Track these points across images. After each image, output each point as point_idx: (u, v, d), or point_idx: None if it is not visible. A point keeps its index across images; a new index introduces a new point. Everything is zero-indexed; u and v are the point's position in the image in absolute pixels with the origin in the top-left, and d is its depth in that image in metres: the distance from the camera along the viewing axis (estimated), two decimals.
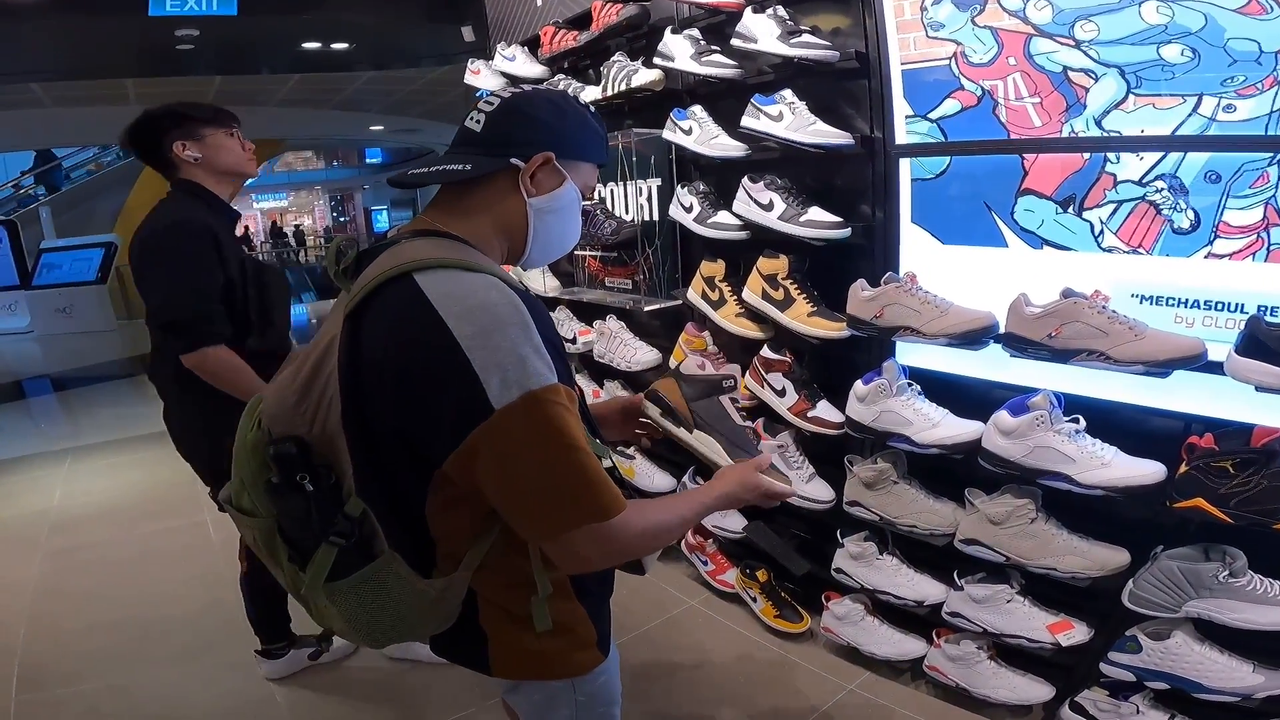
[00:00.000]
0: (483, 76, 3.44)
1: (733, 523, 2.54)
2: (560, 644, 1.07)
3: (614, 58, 2.61)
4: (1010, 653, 1.92)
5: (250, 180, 2.16)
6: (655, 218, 2.69)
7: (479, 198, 1.03)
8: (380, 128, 14.47)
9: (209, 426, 1.83)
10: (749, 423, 1.26)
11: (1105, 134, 1.62)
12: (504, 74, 3.29)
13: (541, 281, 3.28)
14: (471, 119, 1.03)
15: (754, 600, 2.47)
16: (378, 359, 0.92)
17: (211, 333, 1.88)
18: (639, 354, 2.76)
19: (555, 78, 2.96)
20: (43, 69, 7.19)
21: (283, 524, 0.97)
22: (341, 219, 29.06)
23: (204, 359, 1.88)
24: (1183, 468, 1.51)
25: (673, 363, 2.57)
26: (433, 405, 0.89)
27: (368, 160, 25.96)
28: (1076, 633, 1.77)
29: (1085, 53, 1.60)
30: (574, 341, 3.03)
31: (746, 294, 2.22)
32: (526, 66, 3.15)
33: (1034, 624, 1.82)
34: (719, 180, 2.38)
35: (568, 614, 1.07)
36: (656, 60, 2.39)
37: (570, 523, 0.91)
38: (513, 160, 1.01)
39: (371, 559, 0.94)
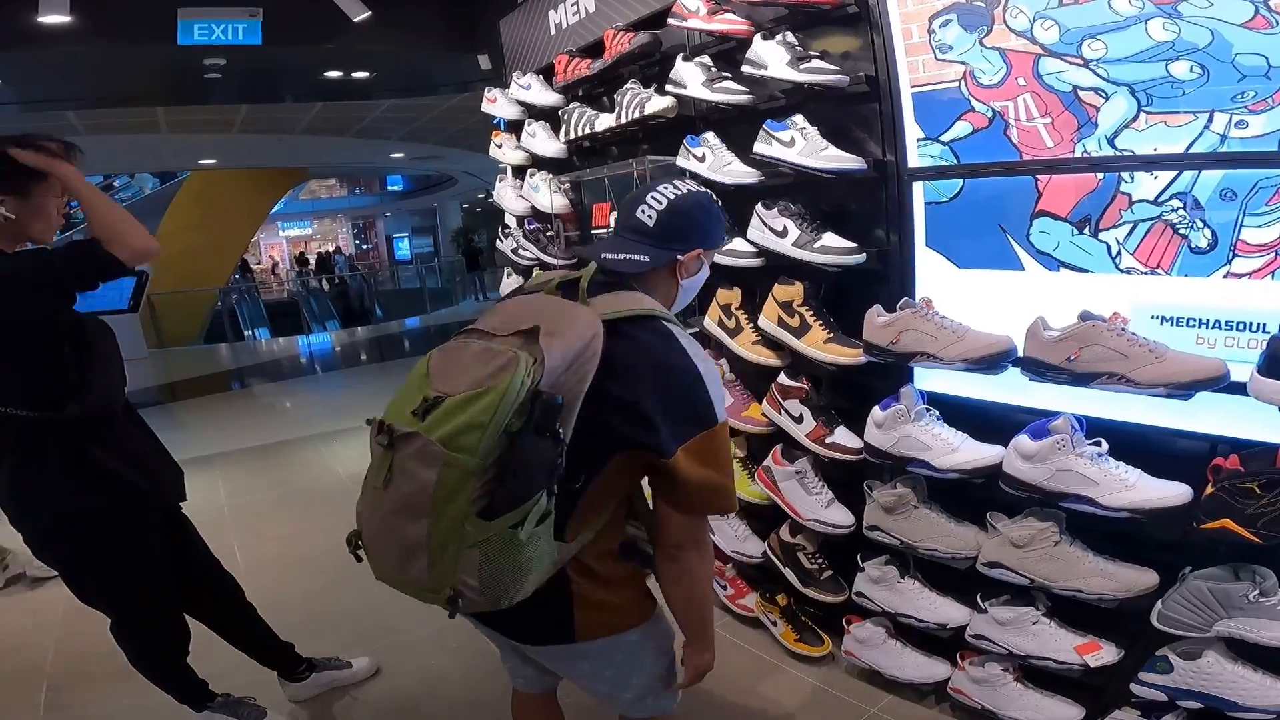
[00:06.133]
0: (499, 105, 3.49)
1: (752, 547, 2.53)
2: (629, 594, 1.37)
3: (627, 85, 2.64)
4: (1036, 674, 1.88)
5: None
6: None
7: (647, 273, 1.35)
8: (401, 155, 14.67)
9: (58, 493, 1.77)
10: None
11: (1118, 153, 1.61)
12: (519, 102, 3.34)
13: None
14: (643, 212, 1.36)
15: (774, 624, 2.45)
16: (634, 364, 1.20)
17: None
18: None
19: (570, 105, 3.00)
20: (78, 97, 7.38)
21: (519, 468, 1.09)
22: (364, 246, 29.45)
23: (128, 249, 1.68)
24: (1209, 489, 1.49)
25: None
26: (678, 408, 1.21)
27: (389, 188, 26.28)
28: (1105, 653, 1.75)
29: (1094, 71, 1.60)
30: None
31: (763, 321, 2.23)
32: (541, 95, 3.19)
33: (1061, 645, 1.80)
34: (733, 206, 2.36)
35: (626, 570, 1.36)
36: (669, 87, 2.42)
37: (724, 507, 1.30)
38: (678, 257, 1.36)
39: (546, 515, 1.13)
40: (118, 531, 1.87)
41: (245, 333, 13.99)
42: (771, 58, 2.06)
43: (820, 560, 2.31)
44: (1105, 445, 1.63)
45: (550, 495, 1.11)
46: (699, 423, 1.22)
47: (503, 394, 1.07)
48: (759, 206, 2.17)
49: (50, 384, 1.72)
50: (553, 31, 3.23)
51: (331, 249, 25.92)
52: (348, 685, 2.46)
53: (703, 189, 1.42)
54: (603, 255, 1.34)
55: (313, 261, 23.11)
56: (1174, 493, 1.54)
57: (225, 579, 2.25)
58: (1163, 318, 1.61)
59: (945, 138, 1.85)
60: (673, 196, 1.37)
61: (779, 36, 2.05)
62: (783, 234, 2.10)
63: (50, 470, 1.78)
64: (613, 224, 1.49)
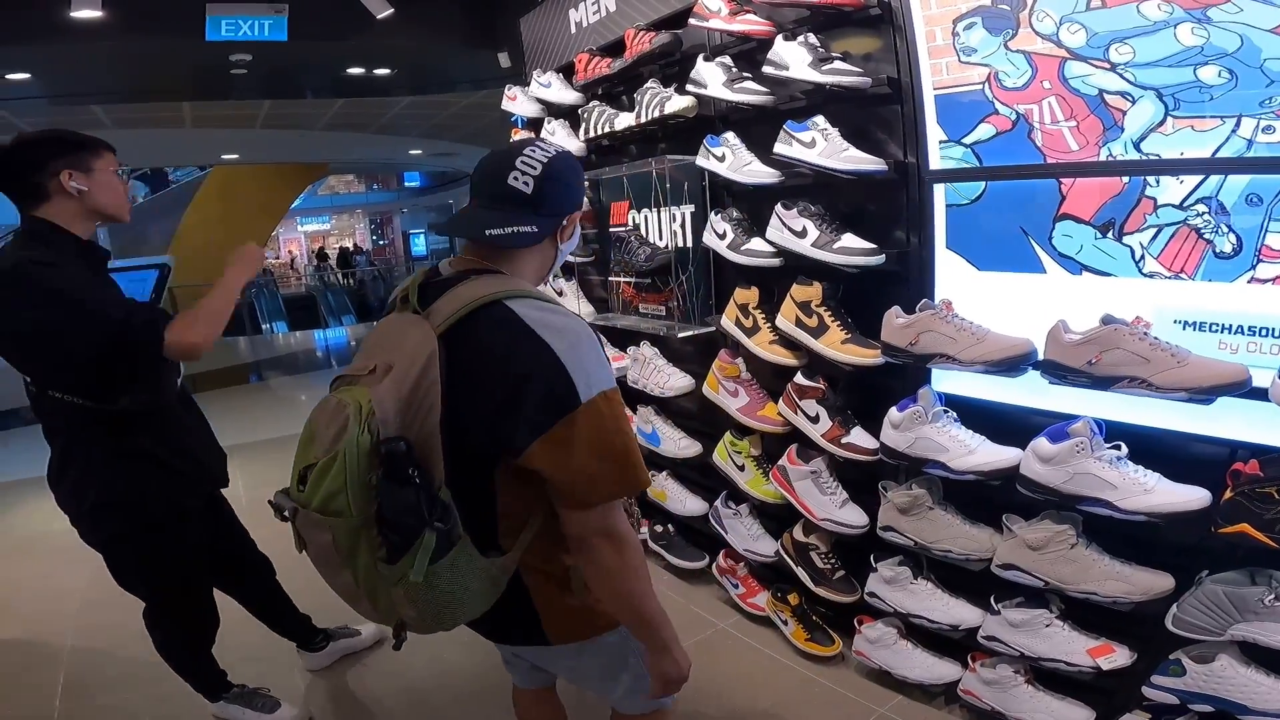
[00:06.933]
0: (519, 103, 3.51)
1: (764, 546, 2.53)
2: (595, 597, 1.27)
3: (647, 84, 2.65)
4: (1048, 677, 1.88)
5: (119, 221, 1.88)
6: (689, 244, 2.71)
7: (526, 247, 1.25)
8: (419, 152, 14.74)
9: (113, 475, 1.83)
10: None
11: (1144, 157, 1.60)
12: (539, 100, 3.36)
13: (576, 308, 3.31)
14: (516, 179, 1.21)
15: (785, 623, 2.46)
16: (477, 366, 1.11)
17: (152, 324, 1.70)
18: (672, 380, 2.77)
19: (590, 103, 3.01)
20: (105, 91, 7.47)
21: (389, 517, 1.07)
22: (381, 241, 29.62)
23: (180, 336, 1.71)
24: (1227, 493, 1.48)
25: (706, 390, 2.58)
26: (529, 398, 1.09)
27: (406, 184, 26.43)
28: (1118, 656, 1.74)
29: (1121, 75, 1.59)
30: None
31: (780, 321, 2.23)
32: (561, 93, 3.21)
33: (1073, 648, 1.79)
34: (752, 206, 2.39)
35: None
36: (689, 87, 2.43)
37: (619, 492, 1.15)
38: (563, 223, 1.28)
39: (451, 544, 1.10)
40: (158, 518, 1.92)
41: (263, 326, 14.08)
42: (793, 59, 2.06)
43: (833, 560, 2.31)
44: (1125, 449, 1.63)
45: (436, 531, 1.07)
46: (556, 408, 1.09)
47: (344, 459, 1.07)
48: (779, 207, 2.17)
49: (104, 376, 1.75)
50: (573, 30, 3.24)
51: (351, 246, 26.08)
52: (360, 653, 2.60)
53: (563, 148, 1.30)
54: (487, 232, 1.21)
55: (334, 257, 23.25)
56: (1192, 497, 1.53)
57: (261, 556, 2.35)
58: (1185, 322, 1.60)
59: (968, 140, 1.85)
60: (545, 160, 1.24)
61: (800, 38, 2.06)
62: (802, 234, 2.10)
63: (96, 454, 1.83)
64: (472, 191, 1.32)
